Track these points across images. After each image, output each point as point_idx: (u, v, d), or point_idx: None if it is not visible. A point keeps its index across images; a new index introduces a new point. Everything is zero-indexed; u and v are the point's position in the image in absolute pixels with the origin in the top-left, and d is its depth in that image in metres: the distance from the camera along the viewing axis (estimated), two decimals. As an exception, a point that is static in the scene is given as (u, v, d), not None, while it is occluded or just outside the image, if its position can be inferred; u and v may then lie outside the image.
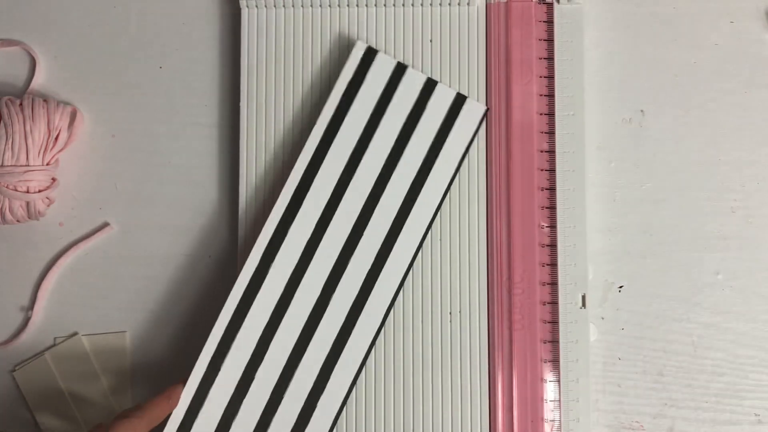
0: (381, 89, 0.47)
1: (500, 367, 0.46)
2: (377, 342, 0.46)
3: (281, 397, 0.45)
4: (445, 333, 0.46)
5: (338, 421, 0.45)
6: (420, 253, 0.47)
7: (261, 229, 0.46)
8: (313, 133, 0.46)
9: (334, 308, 0.46)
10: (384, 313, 0.46)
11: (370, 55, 0.47)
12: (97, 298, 0.48)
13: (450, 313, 0.47)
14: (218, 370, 0.45)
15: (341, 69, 0.47)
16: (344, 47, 0.48)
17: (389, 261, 0.46)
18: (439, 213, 0.47)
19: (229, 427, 0.45)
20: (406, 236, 0.46)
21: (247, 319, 0.45)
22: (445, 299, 0.47)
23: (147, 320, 0.48)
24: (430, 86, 0.47)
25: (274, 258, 0.46)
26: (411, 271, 0.46)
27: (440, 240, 0.47)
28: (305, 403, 0.45)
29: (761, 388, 0.47)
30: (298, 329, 0.45)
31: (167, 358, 0.48)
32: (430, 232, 0.47)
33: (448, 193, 0.47)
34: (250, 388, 0.45)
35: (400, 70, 0.47)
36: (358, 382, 0.46)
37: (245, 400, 0.45)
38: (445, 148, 0.47)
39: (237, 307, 0.45)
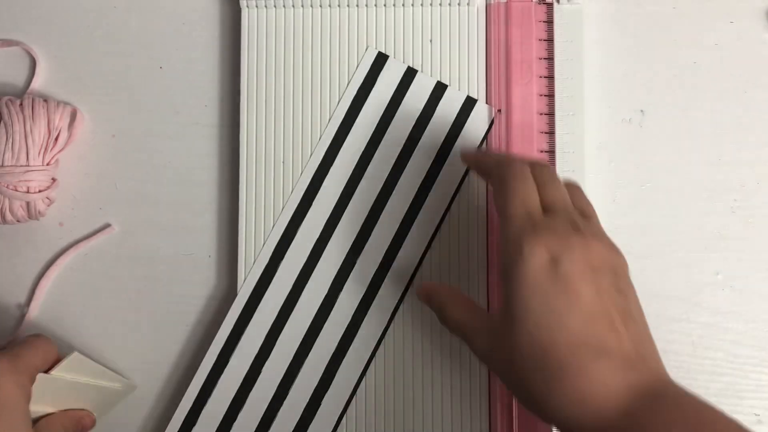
0: (391, 93, 0.47)
1: (500, 367, 0.46)
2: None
3: (286, 393, 0.45)
4: (444, 333, 0.46)
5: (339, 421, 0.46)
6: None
7: (262, 229, 0.47)
8: (323, 136, 0.47)
9: (342, 306, 0.46)
10: (391, 313, 0.46)
11: (380, 59, 0.47)
12: (97, 298, 0.48)
13: (450, 313, 0.47)
14: (225, 365, 0.46)
15: (341, 69, 0.48)
16: (345, 47, 0.48)
17: (397, 261, 0.46)
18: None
19: (234, 420, 0.45)
20: (414, 237, 0.46)
21: (255, 315, 0.46)
22: (445, 299, 0.47)
23: (147, 321, 0.48)
24: (439, 90, 0.47)
25: (283, 256, 0.46)
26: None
27: (440, 240, 0.47)
28: (310, 399, 0.45)
29: (761, 388, 0.47)
30: (305, 326, 0.46)
31: (167, 358, 0.48)
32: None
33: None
34: (255, 384, 0.45)
35: (410, 74, 0.47)
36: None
37: (250, 395, 0.45)
38: (454, 150, 0.47)
39: (246, 304, 0.46)
